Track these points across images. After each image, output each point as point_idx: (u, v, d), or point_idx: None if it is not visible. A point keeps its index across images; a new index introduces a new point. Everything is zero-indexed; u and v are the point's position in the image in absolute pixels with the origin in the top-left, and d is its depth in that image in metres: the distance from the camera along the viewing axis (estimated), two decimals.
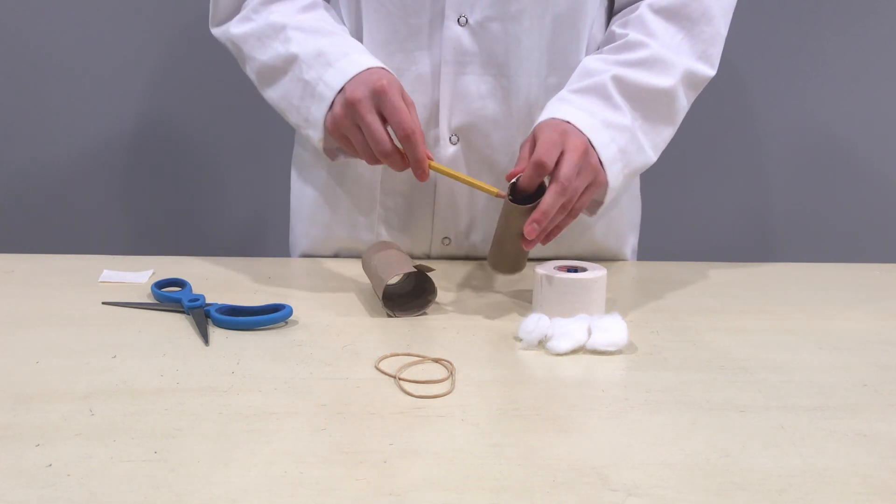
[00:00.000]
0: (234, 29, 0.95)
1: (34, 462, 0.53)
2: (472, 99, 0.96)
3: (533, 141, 0.84)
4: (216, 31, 0.99)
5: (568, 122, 0.85)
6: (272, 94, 0.94)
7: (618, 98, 0.89)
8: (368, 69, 0.85)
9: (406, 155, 0.83)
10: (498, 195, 0.84)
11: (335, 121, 0.85)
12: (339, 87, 0.85)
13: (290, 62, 0.90)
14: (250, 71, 0.96)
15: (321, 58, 0.88)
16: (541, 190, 0.83)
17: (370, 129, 0.82)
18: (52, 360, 0.70)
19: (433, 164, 0.84)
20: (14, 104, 1.57)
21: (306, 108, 0.89)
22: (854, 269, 1.07)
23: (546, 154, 0.81)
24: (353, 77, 0.84)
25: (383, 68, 0.86)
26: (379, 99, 0.82)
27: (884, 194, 1.71)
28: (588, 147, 0.84)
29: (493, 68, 0.95)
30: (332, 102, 0.86)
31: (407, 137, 0.81)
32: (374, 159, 0.85)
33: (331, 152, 0.94)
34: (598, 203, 0.91)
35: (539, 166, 0.81)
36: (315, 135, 0.90)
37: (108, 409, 0.60)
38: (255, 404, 0.62)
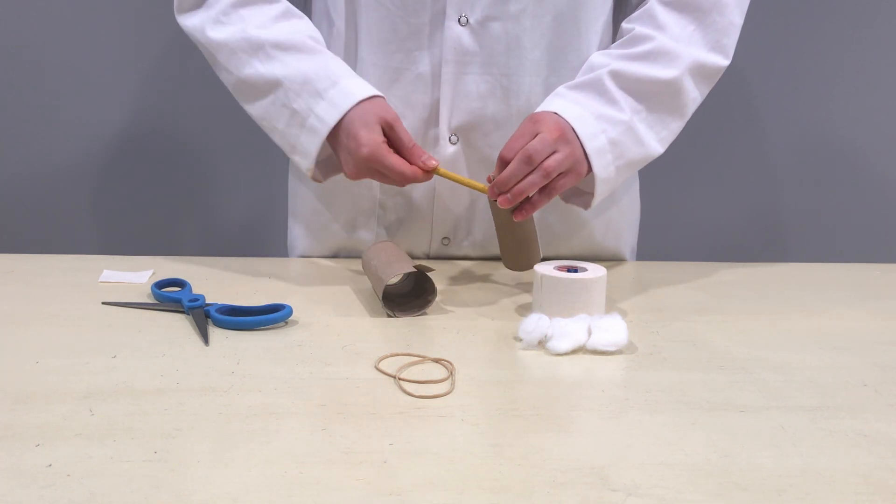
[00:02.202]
0: (211, 33, 0.92)
1: (34, 462, 0.53)
2: (473, 99, 0.96)
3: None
4: (183, 21, 0.96)
5: (555, 114, 0.87)
6: (252, 110, 0.93)
7: (615, 92, 0.90)
8: (358, 104, 0.85)
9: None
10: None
11: (357, 174, 0.87)
12: (332, 123, 0.86)
13: (273, 85, 0.89)
14: (225, 81, 0.95)
15: (308, 86, 0.87)
16: None
17: (397, 170, 0.84)
18: (52, 360, 0.70)
19: (440, 170, 0.86)
20: (13, 104, 1.57)
21: (294, 136, 0.89)
22: (854, 269, 1.07)
23: (509, 149, 0.84)
24: (343, 116, 0.85)
25: (374, 97, 0.87)
26: (369, 166, 0.84)
27: (884, 194, 1.71)
28: (567, 131, 0.85)
29: (494, 68, 0.95)
30: (331, 133, 0.87)
31: (409, 181, 0.85)
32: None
33: (317, 177, 0.94)
34: (590, 195, 0.91)
35: (501, 161, 0.84)
36: (304, 163, 0.90)
37: (108, 409, 0.60)
38: (255, 404, 0.62)
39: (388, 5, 0.94)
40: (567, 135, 0.85)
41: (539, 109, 0.89)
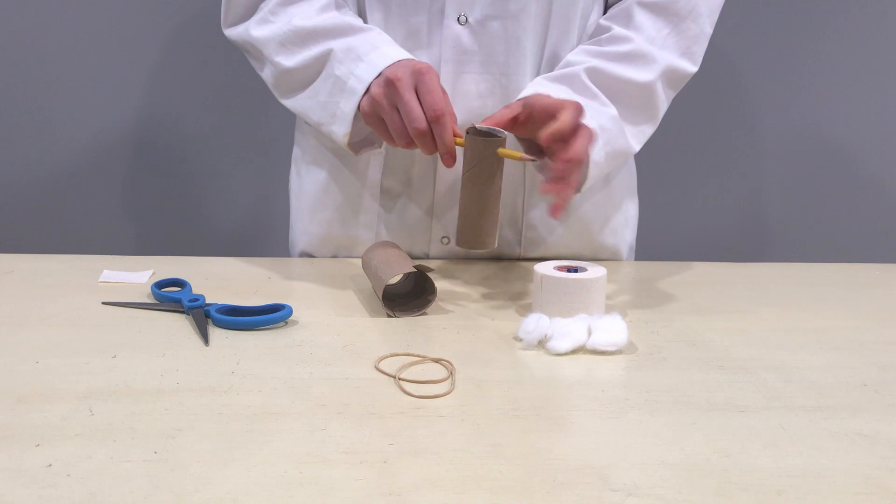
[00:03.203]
0: (255, 31, 0.94)
1: (34, 462, 0.53)
2: (472, 98, 0.96)
3: (521, 106, 0.82)
4: (229, 33, 0.98)
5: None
6: (297, 97, 0.94)
7: (593, 88, 0.90)
8: (400, 60, 0.85)
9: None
10: (522, 159, 0.80)
11: (372, 102, 0.84)
12: (370, 80, 0.85)
13: (322, 62, 0.90)
14: (269, 74, 0.96)
15: (351, 52, 0.88)
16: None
17: (407, 106, 0.81)
18: (52, 360, 0.70)
19: (459, 141, 0.82)
20: (14, 104, 1.57)
21: (334, 104, 0.89)
22: (854, 269, 1.07)
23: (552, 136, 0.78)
24: (389, 65, 0.85)
25: (414, 59, 0.87)
26: (418, 78, 0.82)
27: (883, 194, 1.71)
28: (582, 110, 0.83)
29: (493, 67, 0.95)
30: (365, 93, 0.86)
31: (437, 119, 0.80)
32: (407, 141, 0.83)
33: (354, 146, 0.94)
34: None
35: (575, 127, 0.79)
36: (341, 129, 0.89)
37: (108, 409, 0.60)
38: (255, 404, 0.62)
39: (388, 4, 0.94)
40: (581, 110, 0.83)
41: (530, 91, 0.87)
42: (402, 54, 0.87)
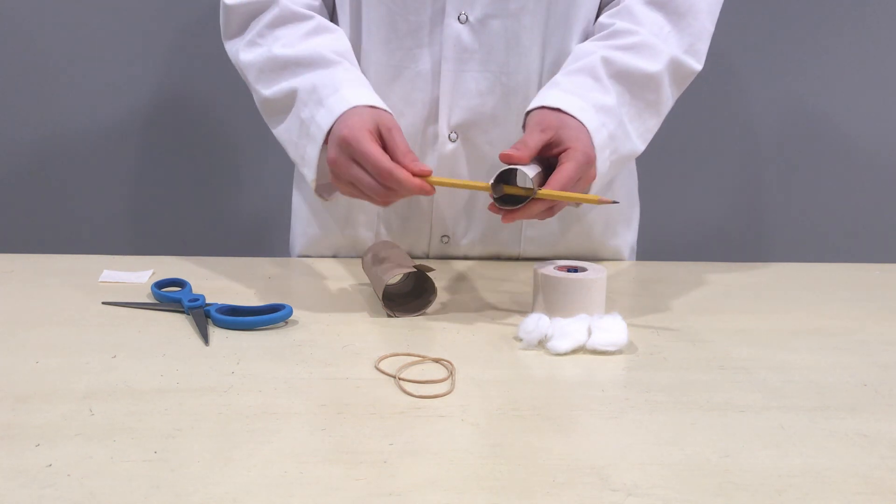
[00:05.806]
0: (243, 55, 0.94)
1: (34, 462, 0.53)
2: (472, 96, 0.96)
3: (538, 130, 0.82)
4: (228, 47, 0.98)
5: (559, 110, 0.84)
6: (276, 128, 0.94)
7: (606, 80, 0.88)
8: (353, 108, 0.83)
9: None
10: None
11: (337, 185, 0.84)
12: (327, 128, 0.83)
13: (291, 98, 0.89)
14: (255, 98, 0.96)
15: (314, 94, 0.87)
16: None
17: (361, 184, 0.80)
18: (52, 360, 0.70)
19: (433, 179, 0.79)
20: (14, 103, 1.57)
21: (303, 146, 0.88)
22: (854, 269, 1.07)
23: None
24: (336, 120, 0.83)
25: (368, 106, 0.84)
26: (348, 151, 0.80)
27: (884, 194, 1.71)
28: (592, 160, 0.82)
29: (493, 65, 0.95)
30: (325, 142, 0.85)
31: (386, 179, 0.77)
32: (391, 195, 0.80)
33: (324, 188, 0.91)
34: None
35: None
36: (308, 174, 0.88)
37: (108, 409, 0.60)
38: (255, 404, 0.62)
39: (388, 3, 0.94)
40: (590, 164, 0.82)
41: (537, 103, 0.86)
42: (360, 97, 0.84)
